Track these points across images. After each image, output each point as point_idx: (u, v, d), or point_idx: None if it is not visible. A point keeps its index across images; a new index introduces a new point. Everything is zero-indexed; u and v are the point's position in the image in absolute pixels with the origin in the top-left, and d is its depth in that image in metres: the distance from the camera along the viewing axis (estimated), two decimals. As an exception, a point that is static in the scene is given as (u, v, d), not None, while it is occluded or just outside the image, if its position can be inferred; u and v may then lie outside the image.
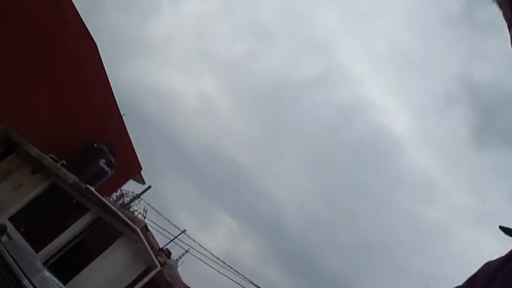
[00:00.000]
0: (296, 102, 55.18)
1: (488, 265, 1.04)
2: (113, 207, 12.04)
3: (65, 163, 14.09)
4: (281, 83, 53.63)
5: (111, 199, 16.44)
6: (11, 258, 8.03)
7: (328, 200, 51.70)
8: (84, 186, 12.43)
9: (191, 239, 16.64)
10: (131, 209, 16.43)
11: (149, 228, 12.87)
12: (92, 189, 12.45)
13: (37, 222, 12.39)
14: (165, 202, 39.66)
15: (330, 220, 51.05)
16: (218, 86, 55.99)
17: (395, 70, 57.40)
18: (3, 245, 8.49)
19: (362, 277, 46.38)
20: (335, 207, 51.51)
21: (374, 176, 51.76)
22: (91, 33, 15.36)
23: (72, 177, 12.59)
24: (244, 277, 14.73)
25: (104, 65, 16.44)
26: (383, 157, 52.64)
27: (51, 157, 13.33)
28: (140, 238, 11.48)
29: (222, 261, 15.43)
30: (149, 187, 19.51)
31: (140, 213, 16.30)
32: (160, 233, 16.27)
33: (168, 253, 13.00)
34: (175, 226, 17.32)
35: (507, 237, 0.96)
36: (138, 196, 17.99)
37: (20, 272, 7.75)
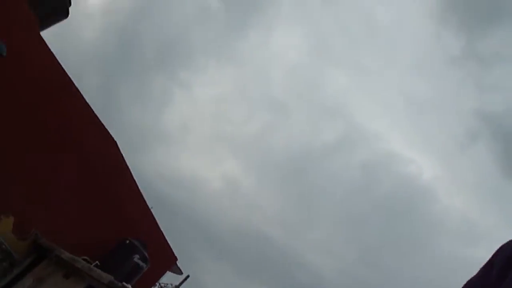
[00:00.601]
0: (320, 168, 54.96)
1: (502, 250, 1.02)
2: (152, 302, 11.49)
3: (98, 263, 13.71)
4: (302, 152, 53.79)
5: (150, 294, 15.82)
6: None
7: (367, 260, 49.49)
8: (120, 284, 11.95)
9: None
10: (172, 302, 15.75)
11: (193, 318, 12.18)
12: (129, 286, 11.97)
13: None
14: (206, 289, 38.53)
15: (373, 280, 48.54)
16: (240, 165, 56.43)
17: (411, 118, 57.40)
18: None
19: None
20: (376, 266, 49.17)
21: (411, 228, 49.87)
22: (109, 131, 15.66)
23: (107, 277, 12.14)
24: None
25: (126, 161, 16.59)
26: (416, 207, 51.01)
27: (84, 259, 13.00)
28: (184, 330, 10.81)
29: None
30: (188, 276, 18.84)
31: (181, 305, 15.59)
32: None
33: None
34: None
35: None
36: (177, 287, 17.34)
37: None
